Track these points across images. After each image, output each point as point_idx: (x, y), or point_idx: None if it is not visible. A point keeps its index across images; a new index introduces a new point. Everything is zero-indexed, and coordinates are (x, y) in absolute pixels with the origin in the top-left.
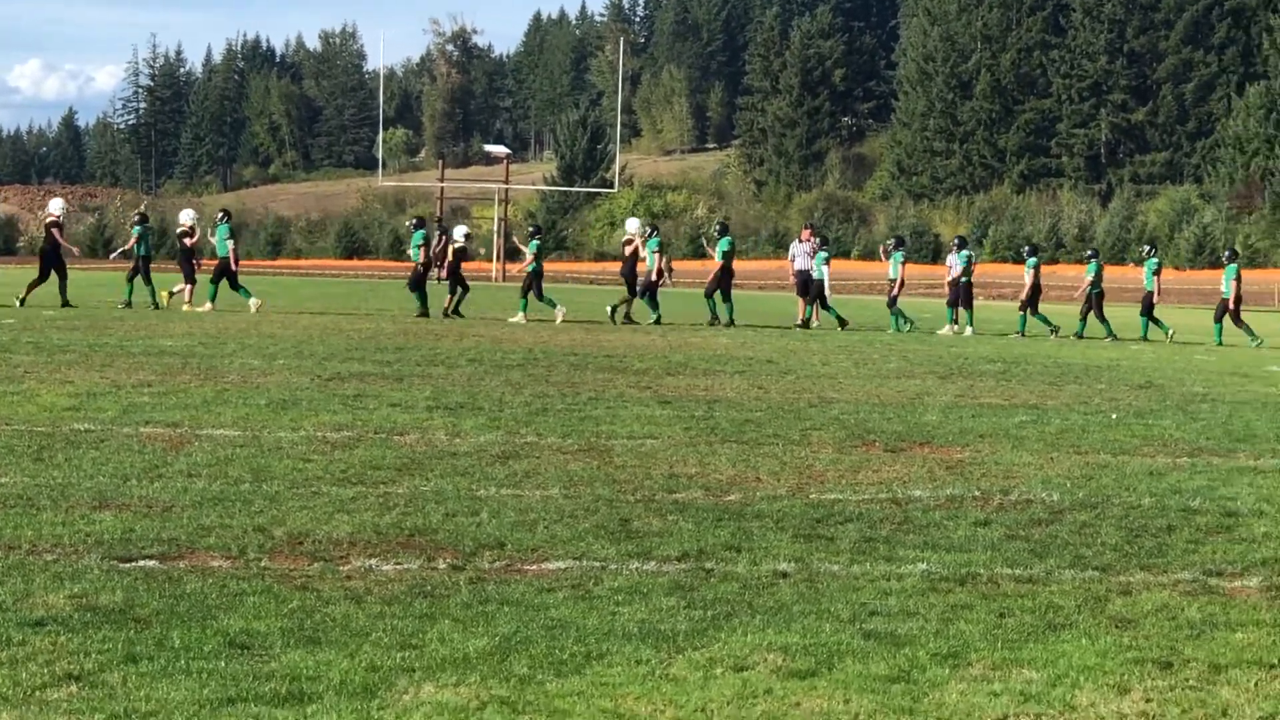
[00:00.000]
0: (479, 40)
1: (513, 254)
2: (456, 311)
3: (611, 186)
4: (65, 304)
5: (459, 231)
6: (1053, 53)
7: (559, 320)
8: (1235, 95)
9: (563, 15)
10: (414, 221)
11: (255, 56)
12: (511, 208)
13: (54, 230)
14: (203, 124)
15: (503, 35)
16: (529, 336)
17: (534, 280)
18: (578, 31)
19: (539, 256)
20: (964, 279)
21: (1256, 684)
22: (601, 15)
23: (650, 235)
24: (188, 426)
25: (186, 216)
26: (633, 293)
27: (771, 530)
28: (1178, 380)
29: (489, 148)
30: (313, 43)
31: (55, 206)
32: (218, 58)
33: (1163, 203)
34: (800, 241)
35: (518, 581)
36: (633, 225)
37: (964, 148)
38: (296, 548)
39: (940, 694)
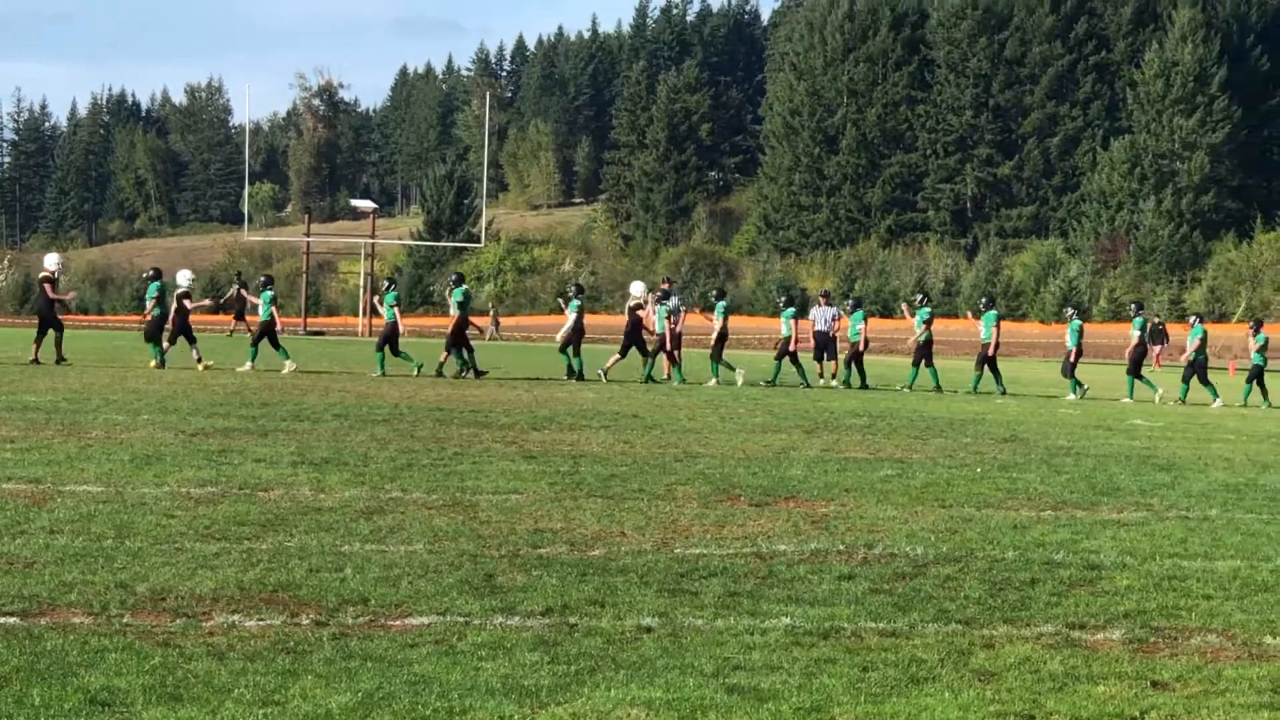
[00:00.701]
0: (345, 95)
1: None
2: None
3: (478, 241)
4: (60, 359)
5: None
6: (918, 107)
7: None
8: (1100, 149)
9: (429, 69)
10: (387, 282)
11: (120, 110)
12: (378, 262)
13: (47, 286)
14: (68, 178)
15: (369, 89)
16: (395, 392)
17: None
18: (444, 86)
19: (463, 306)
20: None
21: None
22: (468, 70)
23: (660, 299)
24: (50, 483)
25: (184, 278)
26: (644, 353)
27: (636, 585)
28: (1042, 434)
29: (355, 202)
30: (178, 97)
31: (50, 262)
32: (83, 111)
33: (1028, 256)
34: (820, 306)
35: (381, 637)
36: (638, 289)
37: (830, 202)
38: (159, 604)
39: None
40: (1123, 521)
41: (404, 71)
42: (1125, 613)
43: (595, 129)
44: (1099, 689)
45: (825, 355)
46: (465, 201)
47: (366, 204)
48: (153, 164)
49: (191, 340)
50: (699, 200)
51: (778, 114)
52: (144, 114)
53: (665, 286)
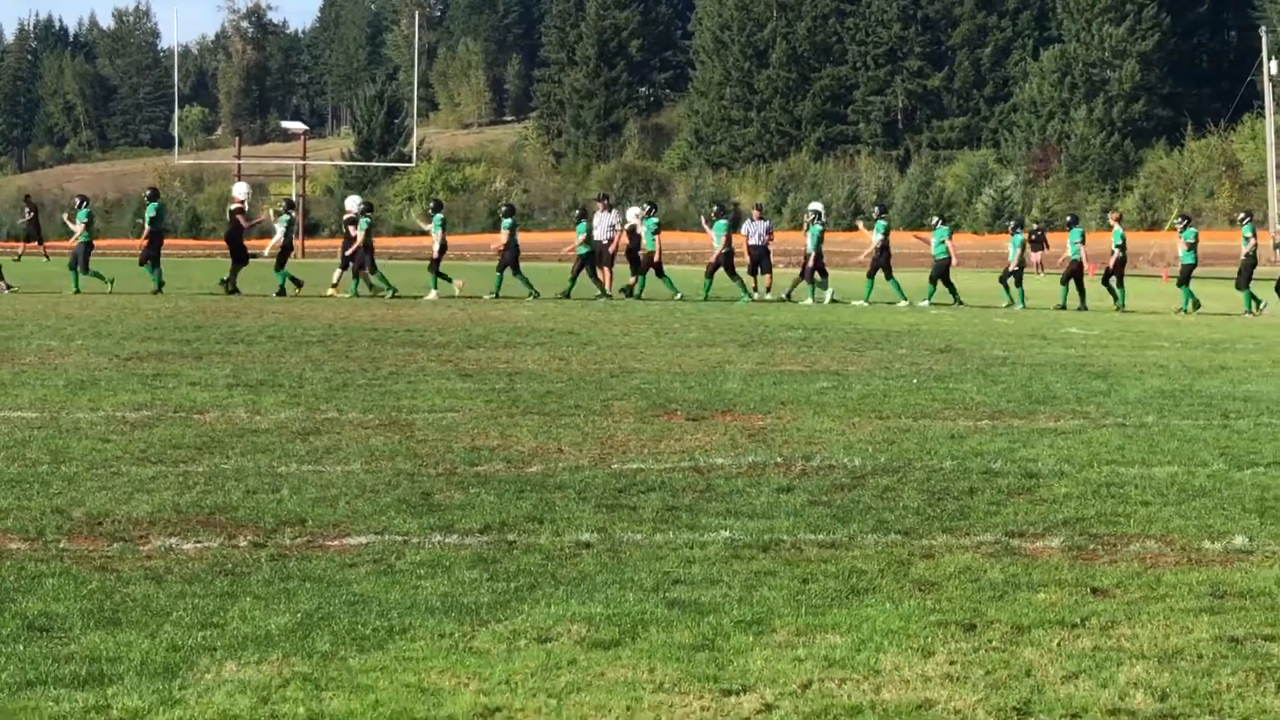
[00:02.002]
0: (273, 16)
1: (310, 230)
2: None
3: (410, 161)
4: (234, 290)
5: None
6: (848, 20)
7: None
8: (1030, 59)
9: None
10: (433, 204)
11: (48, 36)
12: (309, 184)
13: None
14: None
15: (297, 11)
16: (329, 312)
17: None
18: (373, 6)
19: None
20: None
21: (1059, 644)
22: None
23: (648, 214)
24: None
25: (240, 190)
26: (636, 271)
27: (574, 501)
28: (978, 344)
29: (286, 124)
30: (106, 21)
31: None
32: (10, 37)
33: (960, 168)
34: (754, 220)
35: (319, 557)
36: (632, 213)
37: (761, 116)
38: (95, 528)
39: (745, 661)
40: (1060, 430)
41: None
42: (1064, 520)
43: (525, 46)
44: (1039, 596)
45: (760, 269)
46: (396, 121)
47: (297, 125)
48: (81, 89)
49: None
50: (630, 116)
51: (707, 29)
52: (71, 39)
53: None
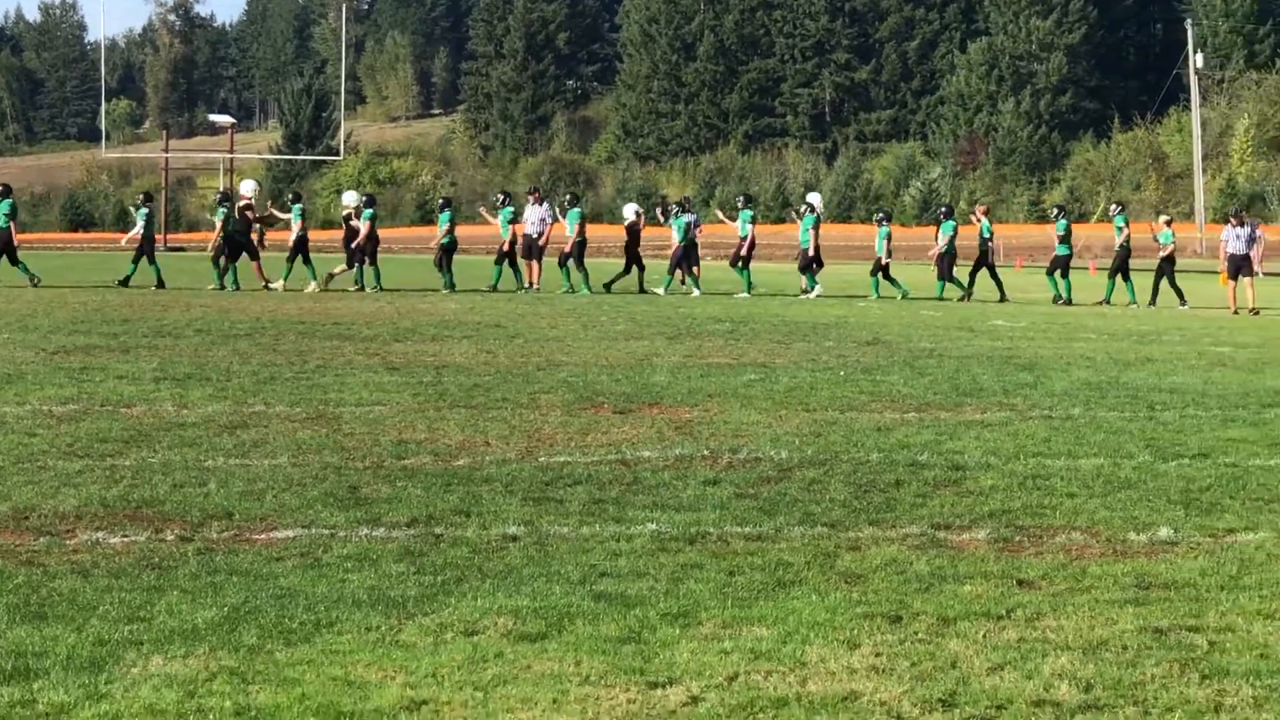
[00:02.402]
0: (201, 10)
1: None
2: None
3: (337, 154)
4: (266, 285)
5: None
6: (775, 13)
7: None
8: (957, 52)
9: None
10: (442, 200)
11: None
12: (237, 177)
13: (247, 212)
14: None
15: (225, 4)
16: (256, 306)
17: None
18: None
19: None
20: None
21: (985, 635)
22: None
23: (572, 205)
24: None
25: (248, 187)
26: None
27: (501, 494)
28: (905, 336)
29: (213, 117)
30: (32, 14)
31: (247, 188)
32: None
33: (888, 160)
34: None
35: (246, 551)
36: (629, 210)
37: (689, 109)
38: (22, 523)
39: (671, 653)
40: (986, 422)
41: None
42: (990, 512)
43: (453, 40)
44: (965, 588)
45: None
46: (323, 115)
47: (224, 119)
48: (7, 82)
49: (255, 256)
50: (557, 109)
51: (635, 22)
52: None
53: (680, 201)
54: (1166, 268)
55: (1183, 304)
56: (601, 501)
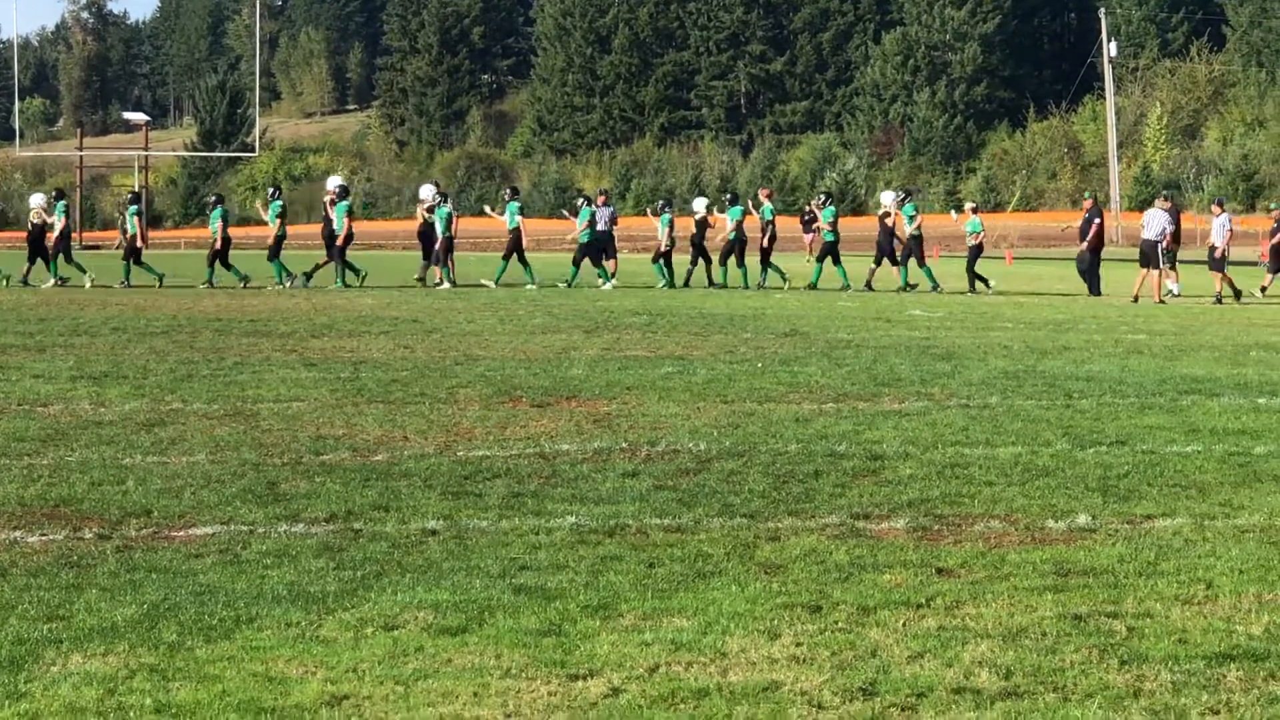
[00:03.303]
0: (113, 7)
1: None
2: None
3: (253, 150)
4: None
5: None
6: (689, 5)
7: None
8: (872, 43)
9: None
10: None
11: None
12: (153, 174)
13: (426, 213)
14: None
15: (137, 1)
16: (172, 304)
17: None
18: None
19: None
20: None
21: (904, 624)
22: None
23: (511, 198)
24: None
25: (426, 192)
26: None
27: (420, 489)
28: (822, 327)
29: (128, 115)
30: None
31: (425, 193)
32: None
33: (804, 151)
34: (599, 207)
35: (165, 548)
36: (699, 204)
37: (604, 102)
38: None
39: (591, 645)
40: (904, 411)
41: None
42: (909, 501)
43: (367, 34)
44: (884, 577)
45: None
46: (238, 111)
47: (139, 116)
48: None
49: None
50: (473, 104)
51: (549, 15)
52: None
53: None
54: (974, 255)
55: (974, 291)
56: (520, 495)
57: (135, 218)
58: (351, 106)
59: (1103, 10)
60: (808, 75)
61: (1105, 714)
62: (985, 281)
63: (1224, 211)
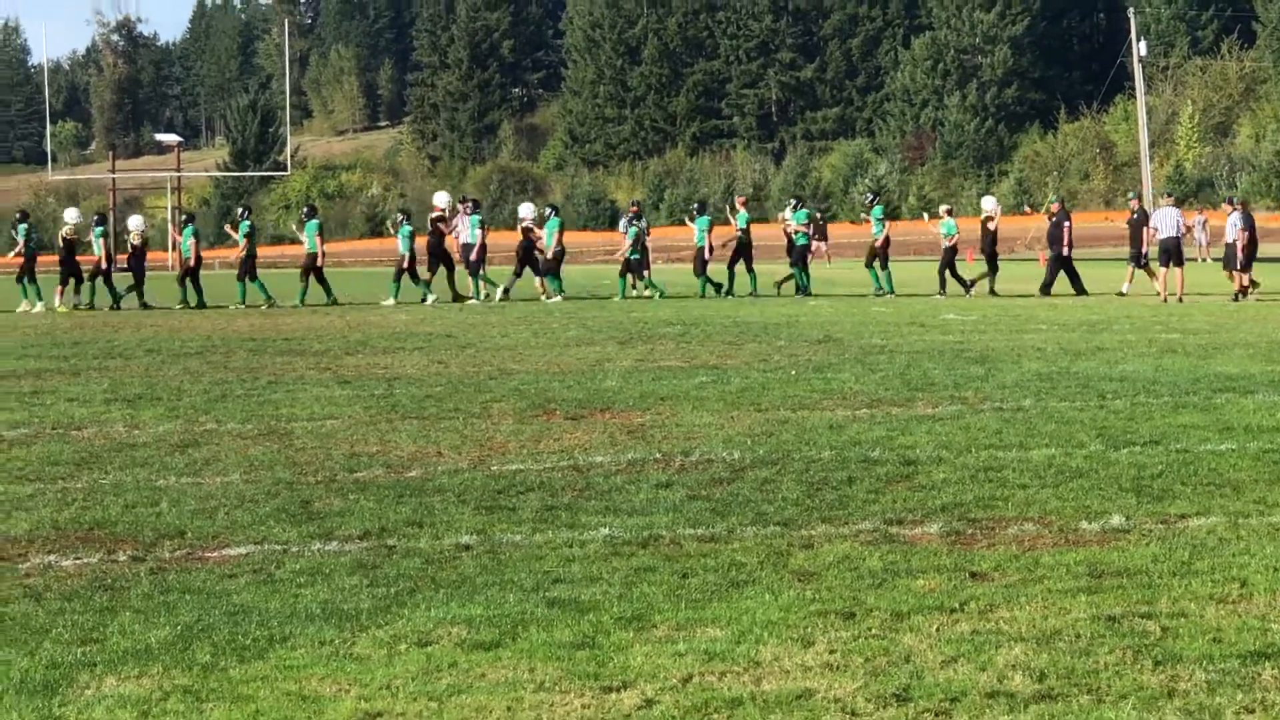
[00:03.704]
0: (144, 29)
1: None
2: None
3: (285, 169)
4: (457, 297)
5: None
6: (719, 14)
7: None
8: (901, 48)
9: (226, 0)
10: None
11: None
12: (185, 195)
13: (440, 224)
14: None
15: (167, 23)
16: (207, 324)
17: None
18: (243, 15)
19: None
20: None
21: (938, 629)
22: None
23: (473, 211)
24: None
25: (441, 200)
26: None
27: (453, 504)
28: (856, 333)
29: (160, 136)
30: None
31: (441, 200)
32: None
33: (836, 158)
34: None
35: (199, 569)
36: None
37: (635, 113)
38: None
39: (625, 657)
40: (938, 416)
41: (201, 3)
42: (942, 506)
43: (397, 51)
44: (918, 583)
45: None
46: (270, 130)
47: (171, 138)
48: None
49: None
50: (504, 118)
51: (578, 27)
52: None
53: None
54: (948, 256)
55: (943, 293)
56: (554, 508)
57: (192, 238)
58: (383, 123)
59: (1131, 10)
60: (838, 82)
61: (1140, 715)
62: (965, 284)
63: (1236, 210)
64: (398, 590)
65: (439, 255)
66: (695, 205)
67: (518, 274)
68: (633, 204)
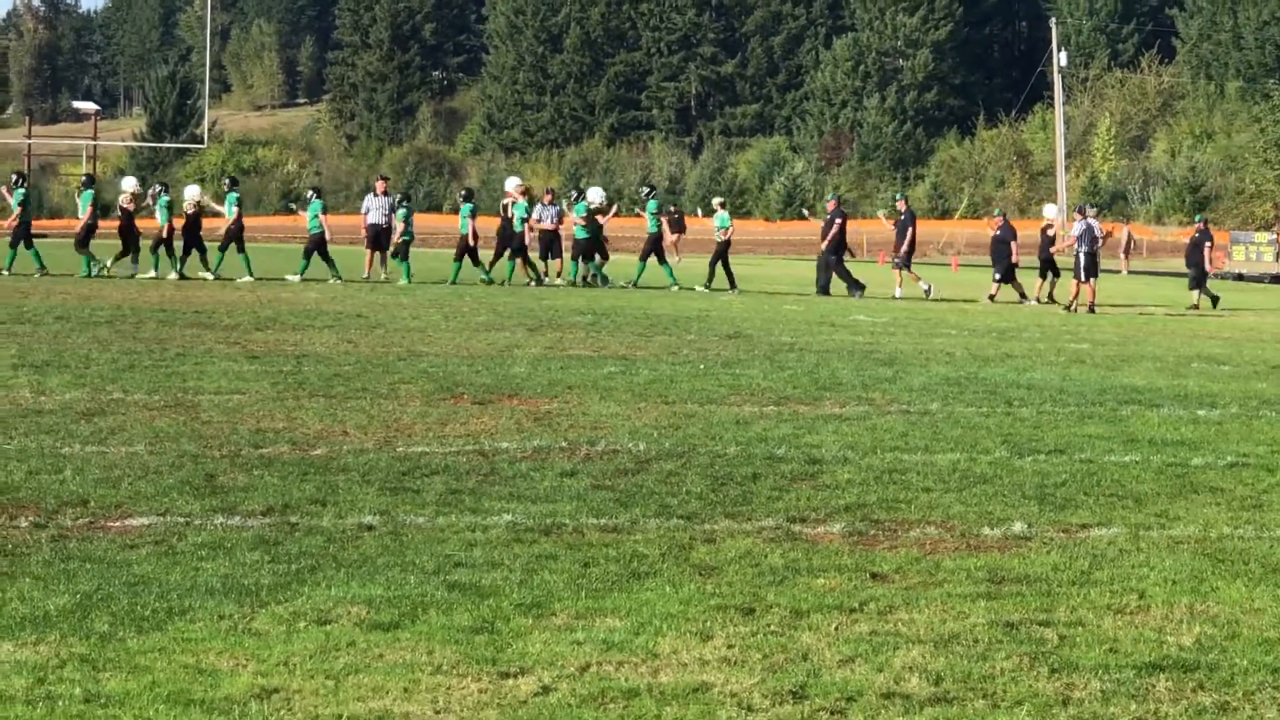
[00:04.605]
0: None
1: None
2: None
3: (201, 142)
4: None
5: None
6: (642, 5)
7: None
8: (823, 47)
9: None
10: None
11: None
12: (101, 164)
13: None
14: None
15: None
16: (118, 294)
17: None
18: None
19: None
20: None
21: (837, 628)
22: None
23: (649, 196)
24: None
25: (595, 195)
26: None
27: (357, 484)
28: (766, 330)
29: (77, 104)
30: None
31: (510, 185)
32: None
33: (753, 154)
34: (375, 195)
35: (100, 539)
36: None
37: (555, 101)
38: None
39: (523, 644)
40: (844, 416)
41: None
42: (846, 506)
43: (319, 28)
44: (818, 581)
45: (550, 254)
46: (188, 103)
47: (88, 106)
48: None
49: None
50: (423, 100)
51: (501, 13)
52: None
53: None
54: (720, 250)
55: (710, 285)
56: (458, 492)
57: (167, 209)
58: (302, 100)
59: (1053, 19)
60: (758, 78)
61: None
62: (732, 281)
63: (1085, 219)
64: (299, 568)
65: (505, 240)
66: (646, 190)
67: (604, 258)
68: (548, 190)
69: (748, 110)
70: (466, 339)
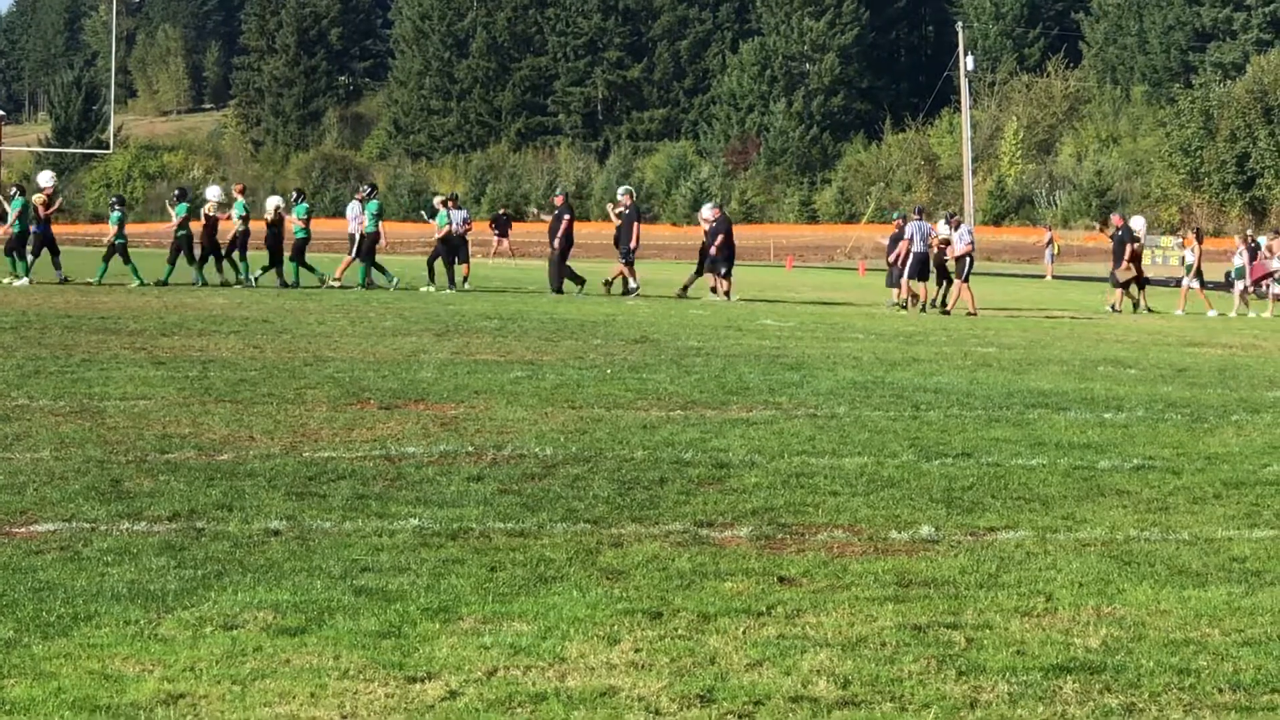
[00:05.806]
0: None
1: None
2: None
3: (107, 148)
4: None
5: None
6: (548, 10)
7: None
8: (730, 52)
9: None
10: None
11: None
12: (6, 170)
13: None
14: None
15: None
16: (22, 299)
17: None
18: None
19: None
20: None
21: (744, 632)
22: None
23: (369, 197)
24: None
25: (621, 191)
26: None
27: (264, 489)
28: (672, 335)
29: None
30: None
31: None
32: None
33: (660, 159)
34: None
35: (5, 544)
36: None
37: (461, 106)
38: None
39: (430, 648)
40: (752, 420)
41: None
42: (753, 510)
43: (225, 33)
44: (726, 585)
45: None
46: (94, 108)
47: None
48: None
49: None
50: (329, 105)
51: (408, 18)
52: None
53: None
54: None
55: (432, 283)
56: (365, 497)
57: (119, 221)
58: (208, 106)
59: (960, 24)
60: (665, 83)
61: None
62: (432, 278)
63: (918, 220)
64: (205, 573)
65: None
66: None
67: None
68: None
69: (655, 115)
70: (373, 344)
